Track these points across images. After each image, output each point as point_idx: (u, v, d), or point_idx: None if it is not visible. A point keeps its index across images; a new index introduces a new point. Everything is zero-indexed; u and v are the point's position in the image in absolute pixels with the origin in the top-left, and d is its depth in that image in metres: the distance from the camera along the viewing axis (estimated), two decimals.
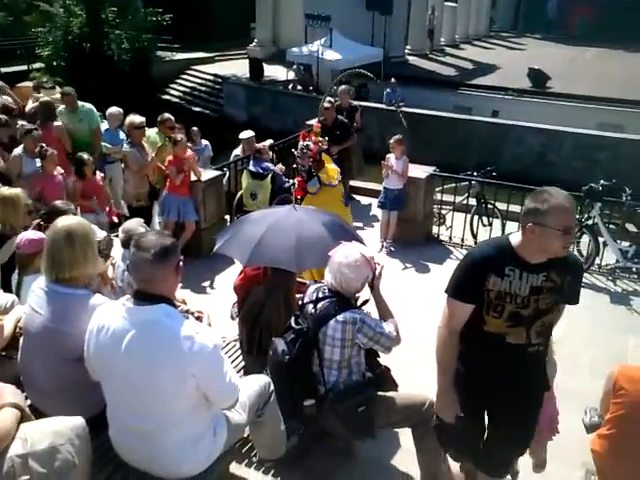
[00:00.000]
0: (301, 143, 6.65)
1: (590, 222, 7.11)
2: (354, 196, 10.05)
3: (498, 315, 2.73)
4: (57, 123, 7.65)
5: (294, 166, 7.33)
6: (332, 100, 9.06)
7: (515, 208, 7.26)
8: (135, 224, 4.03)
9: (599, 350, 5.33)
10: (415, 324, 4.69)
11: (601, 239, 7.08)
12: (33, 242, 3.57)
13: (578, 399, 3.75)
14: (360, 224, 8.54)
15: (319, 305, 3.22)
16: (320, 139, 6.71)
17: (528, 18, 31.51)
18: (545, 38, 28.23)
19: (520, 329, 2.75)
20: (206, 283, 6.73)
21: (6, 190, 4.47)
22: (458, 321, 2.82)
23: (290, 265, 3.79)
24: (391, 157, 7.60)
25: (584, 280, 7.04)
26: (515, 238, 2.72)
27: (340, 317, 3.13)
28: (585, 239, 7.22)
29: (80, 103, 8.07)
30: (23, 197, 4.49)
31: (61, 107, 8.12)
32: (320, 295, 3.27)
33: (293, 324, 3.28)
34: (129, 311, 2.44)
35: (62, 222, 2.83)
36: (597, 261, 7.13)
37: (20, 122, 7.41)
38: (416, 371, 4.41)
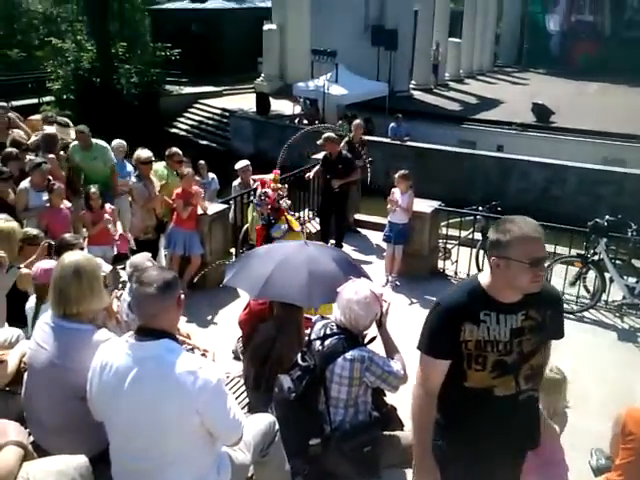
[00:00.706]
0: (259, 190, 6.48)
1: (596, 258, 7.09)
2: (358, 230, 10.11)
3: (481, 367, 2.45)
4: (51, 155, 7.64)
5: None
6: (334, 136, 9.06)
7: None
8: (142, 259, 4.06)
9: (607, 388, 5.27)
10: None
11: (607, 275, 7.05)
12: (48, 272, 3.59)
13: (586, 439, 3.70)
14: (365, 258, 8.55)
15: (327, 342, 3.20)
16: (279, 186, 6.51)
17: (531, 53, 31.87)
18: (548, 73, 28.53)
19: (507, 378, 2.48)
20: (211, 317, 6.72)
21: (2, 223, 4.46)
22: (434, 380, 2.53)
23: (301, 300, 3.79)
24: (396, 192, 7.64)
25: (591, 317, 7.04)
26: (485, 277, 2.49)
27: (348, 355, 3.10)
28: (591, 275, 7.19)
29: (94, 141, 8.12)
30: (19, 231, 4.48)
31: (74, 143, 8.21)
32: (328, 332, 3.25)
33: (300, 361, 3.25)
34: (132, 347, 2.44)
35: (69, 257, 2.85)
36: (604, 297, 7.08)
37: (29, 156, 7.48)
38: None
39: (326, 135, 8.91)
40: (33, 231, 5.14)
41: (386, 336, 3.35)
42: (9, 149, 7.19)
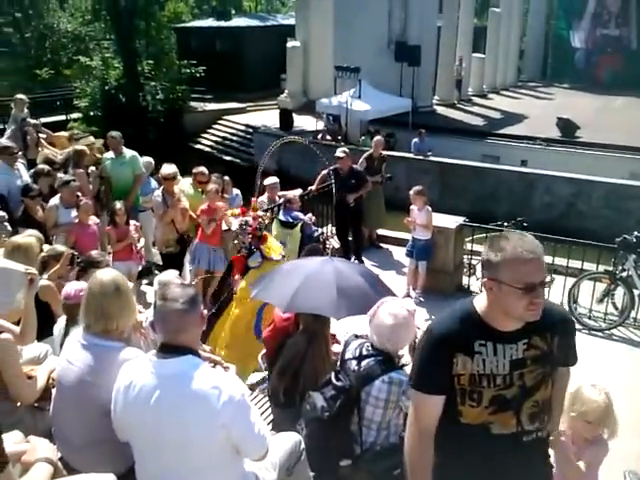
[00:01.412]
0: (240, 219, 6.33)
1: (624, 274, 6.98)
2: (381, 245, 10.09)
3: (476, 403, 2.19)
4: (80, 170, 7.82)
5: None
6: (347, 150, 9.20)
7: (547, 259, 7.17)
8: (171, 276, 4.09)
9: (639, 407, 5.15)
10: None
11: (636, 292, 6.93)
12: (81, 292, 3.63)
13: (618, 460, 3.62)
14: (386, 273, 8.52)
15: (363, 363, 3.14)
16: (260, 214, 6.35)
17: (556, 68, 31.71)
18: (573, 87, 28.31)
19: (507, 415, 2.20)
20: None
21: (21, 238, 4.46)
22: (429, 418, 2.25)
23: (330, 312, 3.79)
24: (414, 209, 7.63)
25: (620, 334, 6.90)
26: (480, 301, 2.21)
27: (386, 377, 3.05)
28: (620, 291, 7.07)
29: (125, 150, 8.30)
30: (36, 246, 4.46)
31: (106, 154, 8.38)
32: (364, 352, 3.19)
33: (334, 380, 3.21)
34: (156, 365, 2.45)
35: (107, 274, 2.88)
36: (632, 314, 6.95)
37: (59, 173, 7.63)
38: None
39: (340, 150, 9.03)
40: (60, 248, 5.19)
41: None
42: (41, 166, 7.33)
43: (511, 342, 2.17)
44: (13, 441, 2.22)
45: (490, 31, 27.43)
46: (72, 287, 3.78)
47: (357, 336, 3.43)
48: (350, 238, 9.31)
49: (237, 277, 6.04)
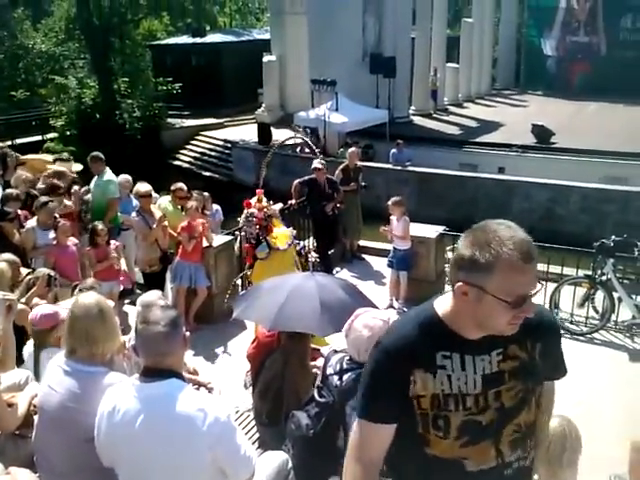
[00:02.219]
0: (246, 211, 6.50)
1: (604, 278, 7.06)
2: (363, 256, 10.11)
3: (442, 433, 1.74)
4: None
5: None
6: (324, 162, 9.47)
7: None
8: (154, 297, 4.05)
9: (622, 411, 5.20)
10: None
11: (616, 295, 7.01)
12: (48, 317, 3.58)
13: (603, 464, 3.63)
14: (369, 284, 8.54)
15: (345, 377, 3.13)
16: (265, 204, 6.51)
17: (529, 75, 32.17)
18: (546, 94, 28.74)
19: (483, 446, 1.76)
20: (218, 350, 6.69)
21: None
22: (375, 449, 1.80)
23: (315, 329, 3.79)
24: (393, 219, 7.70)
25: (602, 338, 6.98)
26: (443, 304, 1.78)
27: None
28: (600, 295, 7.15)
29: (105, 172, 8.19)
30: (7, 271, 4.39)
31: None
32: (345, 366, 3.18)
33: (317, 397, 3.20)
34: (139, 389, 2.42)
35: (89, 298, 2.83)
36: (613, 317, 7.03)
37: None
38: None
39: (317, 161, 9.27)
40: (43, 271, 5.12)
41: None
42: (9, 190, 7.26)
43: (482, 352, 1.74)
44: None
45: (463, 41, 27.79)
46: (39, 311, 3.71)
47: (336, 351, 3.41)
48: (330, 250, 9.42)
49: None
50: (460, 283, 1.67)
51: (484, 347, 1.74)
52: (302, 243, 8.58)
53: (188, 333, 2.55)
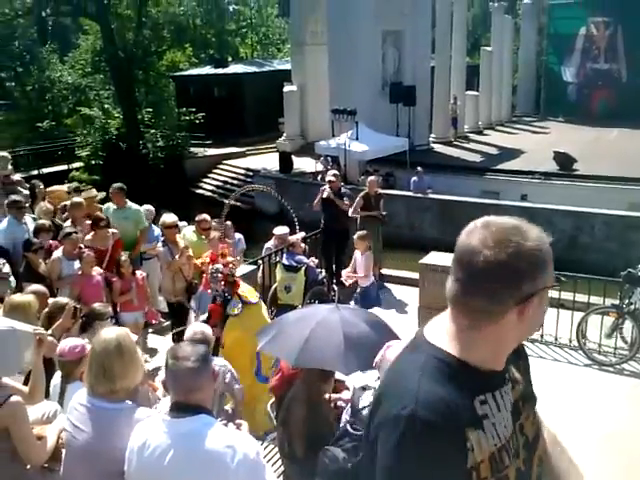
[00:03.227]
0: (210, 267, 6.25)
1: (632, 307, 6.94)
2: (385, 284, 10.09)
3: None
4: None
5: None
6: (337, 173, 10.59)
7: (554, 294, 7.16)
8: (204, 326, 4.17)
9: None
10: None
11: None
12: (76, 349, 3.61)
13: None
14: (391, 312, 8.49)
15: None
16: (230, 259, 6.22)
17: (549, 102, 32.13)
18: (567, 121, 28.67)
19: None
20: None
21: (18, 297, 4.37)
22: None
23: (340, 367, 3.76)
24: (357, 253, 7.72)
25: (631, 369, 6.83)
26: (446, 337, 1.44)
27: None
28: (628, 325, 7.02)
29: (129, 203, 8.31)
30: (35, 303, 4.35)
31: (108, 205, 8.39)
32: None
33: (350, 430, 3.17)
34: (169, 425, 2.42)
35: (109, 333, 2.82)
36: None
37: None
38: None
39: (330, 174, 10.26)
40: (62, 300, 5.16)
41: None
42: (41, 221, 7.38)
43: (504, 383, 1.47)
44: None
45: (483, 69, 27.95)
46: (67, 343, 3.73)
47: (364, 388, 3.33)
48: (334, 264, 9.81)
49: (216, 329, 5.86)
50: (518, 304, 1.35)
51: (502, 376, 1.47)
52: (323, 272, 8.61)
53: (217, 367, 2.55)
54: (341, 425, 3.38)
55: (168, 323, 8.35)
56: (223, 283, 5.89)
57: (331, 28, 21.62)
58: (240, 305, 5.79)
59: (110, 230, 7.57)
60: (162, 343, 7.84)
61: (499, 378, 1.46)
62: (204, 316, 7.05)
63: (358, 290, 7.97)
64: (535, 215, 15.07)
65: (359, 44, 20.68)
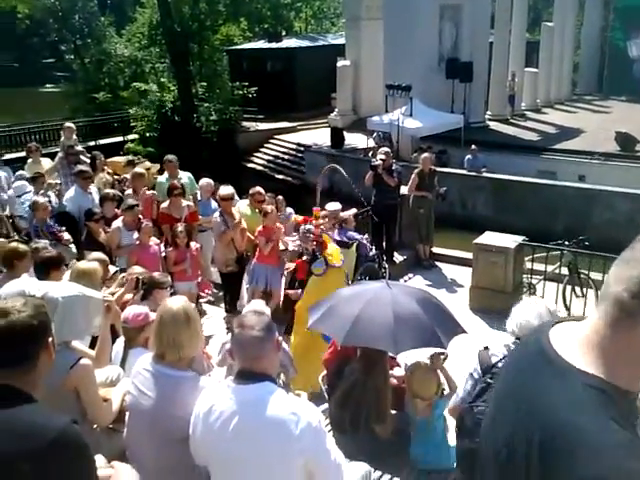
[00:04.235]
0: (303, 226, 6.58)
1: None
2: (436, 263, 10.02)
3: None
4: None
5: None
6: (388, 151, 10.30)
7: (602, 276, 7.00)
8: (262, 305, 4.25)
9: None
10: None
11: None
12: (140, 316, 3.72)
13: None
14: (442, 292, 8.45)
15: None
16: (321, 222, 6.58)
17: (612, 80, 30.88)
18: (631, 100, 27.48)
19: None
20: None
21: (85, 264, 4.50)
22: None
23: (388, 347, 3.75)
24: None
25: None
26: (596, 359, 1.20)
27: None
28: None
29: (180, 172, 8.50)
30: (100, 271, 4.48)
31: (160, 178, 8.60)
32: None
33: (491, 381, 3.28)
34: (235, 391, 2.48)
35: (176, 304, 2.89)
36: None
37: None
38: None
39: (380, 153, 10.00)
40: (135, 270, 5.27)
41: None
42: (107, 190, 7.60)
43: None
44: (98, 465, 2.27)
45: (543, 45, 27.01)
46: (131, 311, 3.86)
47: (487, 347, 3.48)
48: (384, 242, 9.76)
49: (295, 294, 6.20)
50: None
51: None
52: (374, 249, 8.59)
53: (280, 338, 2.60)
54: (468, 384, 3.43)
55: (221, 294, 8.53)
56: (314, 243, 6.25)
57: (387, 2, 21.19)
58: (325, 266, 6.12)
59: (184, 202, 7.82)
60: (215, 313, 8.01)
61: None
62: (260, 287, 7.21)
63: None
64: (593, 197, 14.66)
65: (416, 19, 20.25)
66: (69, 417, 1.87)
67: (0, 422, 1.79)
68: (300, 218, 6.99)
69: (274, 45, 29.60)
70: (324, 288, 5.67)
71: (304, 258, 6.40)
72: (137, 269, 5.20)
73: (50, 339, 1.99)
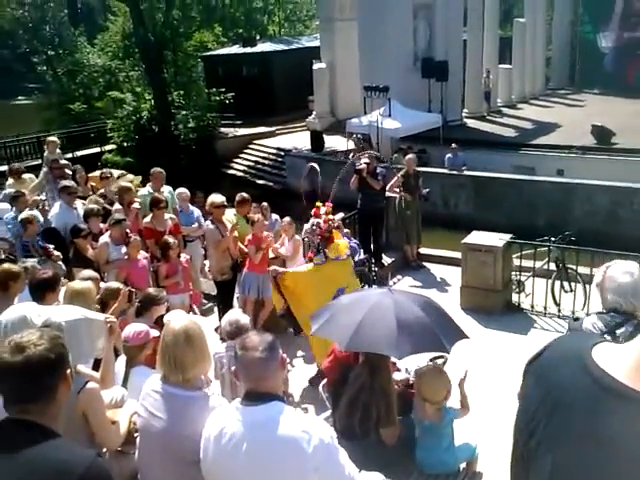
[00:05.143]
0: (312, 220, 6.75)
1: None
2: (424, 264, 10.06)
3: None
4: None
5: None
6: (372, 155, 10.39)
7: (586, 270, 7.13)
8: (239, 314, 4.16)
9: None
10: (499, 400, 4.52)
11: None
12: (140, 334, 3.69)
13: None
14: (432, 292, 8.48)
15: (618, 332, 3.04)
16: (331, 217, 6.77)
17: (584, 74, 31.31)
18: (603, 93, 27.88)
19: None
20: (290, 362, 6.73)
21: (79, 284, 4.41)
22: None
23: (391, 352, 3.77)
24: (285, 239, 7.66)
25: None
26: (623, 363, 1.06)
27: None
28: None
29: (164, 187, 8.44)
30: (94, 290, 4.42)
31: (142, 190, 8.53)
32: (611, 323, 3.08)
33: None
34: (244, 413, 2.46)
35: (178, 323, 2.87)
36: None
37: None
38: None
39: (364, 158, 9.95)
40: (114, 285, 5.25)
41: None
42: (91, 206, 7.52)
43: None
44: None
45: (515, 41, 27.32)
46: (131, 329, 3.83)
47: (576, 319, 3.32)
48: (371, 245, 9.76)
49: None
50: None
51: None
52: (362, 254, 8.60)
53: (285, 355, 2.59)
54: None
55: (211, 304, 8.48)
56: (319, 237, 6.53)
57: (361, 2, 21.30)
58: (323, 259, 6.44)
59: (167, 215, 7.78)
60: (206, 324, 7.96)
61: None
62: (252, 296, 7.21)
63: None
64: (572, 190, 14.85)
65: (390, 18, 20.33)
66: (93, 451, 1.85)
67: (24, 462, 1.75)
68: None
69: (249, 50, 29.54)
70: (319, 278, 6.20)
71: (311, 250, 6.84)
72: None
73: (68, 370, 1.97)
